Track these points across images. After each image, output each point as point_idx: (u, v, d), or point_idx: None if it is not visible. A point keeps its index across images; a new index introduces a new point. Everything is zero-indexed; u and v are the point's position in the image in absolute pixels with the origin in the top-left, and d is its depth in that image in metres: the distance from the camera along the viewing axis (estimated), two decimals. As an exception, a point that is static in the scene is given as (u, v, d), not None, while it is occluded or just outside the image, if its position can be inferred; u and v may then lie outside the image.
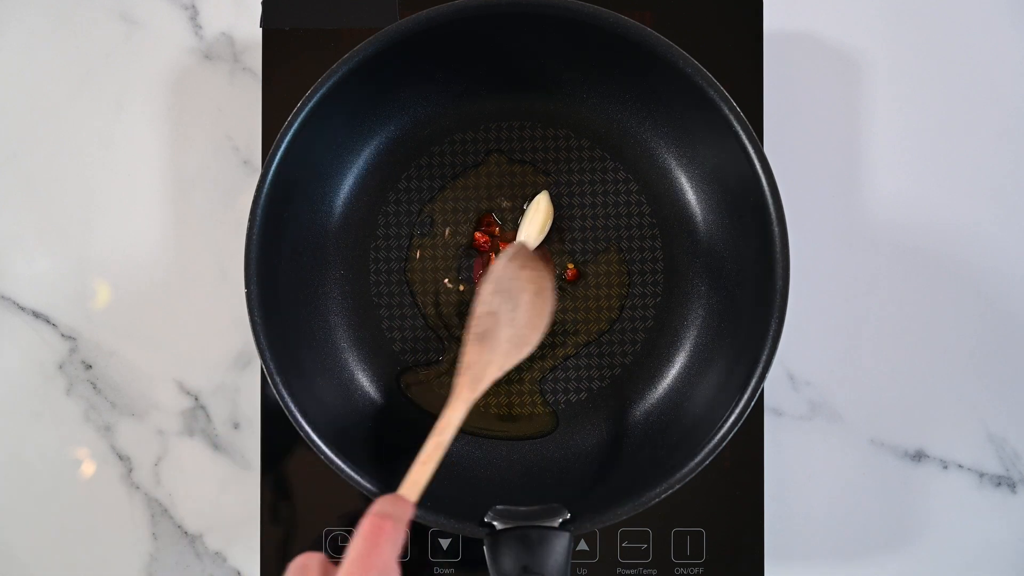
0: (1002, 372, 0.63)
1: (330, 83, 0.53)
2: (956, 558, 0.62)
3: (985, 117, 0.63)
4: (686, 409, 0.58)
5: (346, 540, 0.60)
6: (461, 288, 0.60)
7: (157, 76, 0.63)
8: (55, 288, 0.63)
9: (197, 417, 0.63)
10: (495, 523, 0.52)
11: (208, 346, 0.63)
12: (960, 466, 0.63)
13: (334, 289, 0.60)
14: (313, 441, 0.53)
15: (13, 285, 0.63)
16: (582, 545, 0.60)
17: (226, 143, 0.63)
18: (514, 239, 0.60)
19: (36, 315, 0.63)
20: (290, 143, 0.53)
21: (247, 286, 0.53)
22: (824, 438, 0.63)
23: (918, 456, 0.63)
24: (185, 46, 0.63)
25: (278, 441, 0.60)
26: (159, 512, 0.63)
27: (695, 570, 0.60)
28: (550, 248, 0.60)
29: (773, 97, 0.62)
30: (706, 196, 0.59)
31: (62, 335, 0.63)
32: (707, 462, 0.52)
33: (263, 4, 0.61)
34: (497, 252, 0.60)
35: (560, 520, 0.51)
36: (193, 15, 0.64)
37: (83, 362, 0.63)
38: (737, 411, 0.53)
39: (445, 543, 0.60)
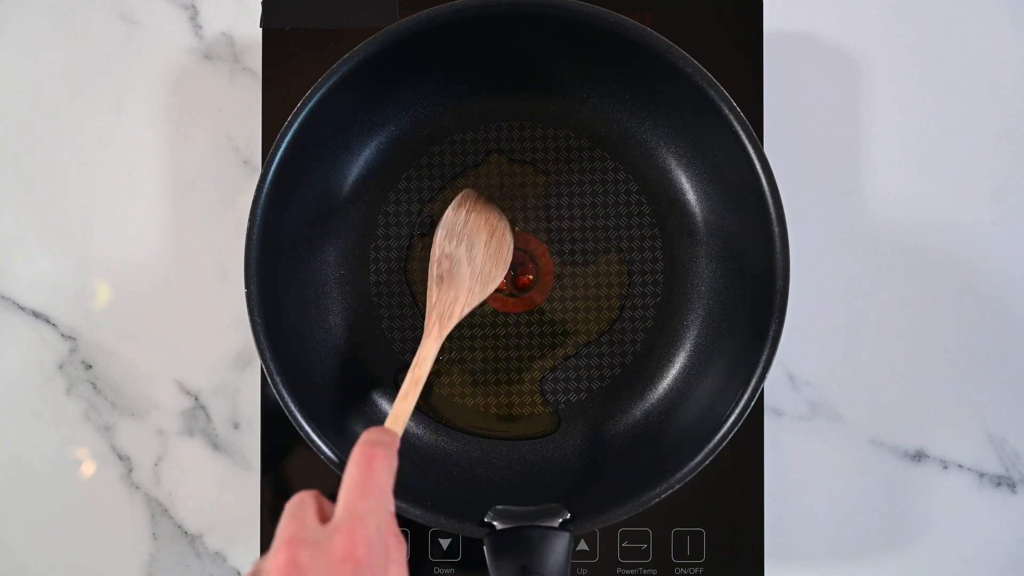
0: (1002, 372, 0.63)
1: (330, 83, 0.53)
2: (956, 558, 0.62)
3: (985, 117, 0.63)
4: (686, 409, 0.58)
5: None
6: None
7: (157, 76, 0.63)
8: (55, 288, 0.63)
9: (197, 417, 0.63)
10: (495, 523, 0.52)
11: (208, 346, 0.63)
12: (960, 466, 0.63)
13: (334, 289, 0.60)
14: (313, 441, 0.53)
15: (13, 285, 0.63)
16: (582, 545, 0.60)
17: (226, 143, 0.63)
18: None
19: (36, 315, 0.63)
20: (290, 143, 0.53)
21: (247, 286, 0.53)
22: (824, 438, 0.63)
23: (918, 456, 0.63)
24: (185, 46, 0.63)
25: (278, 441, 0.60)
26: (159, 512, 0.63)
27: (695, 570, 0.60)
28: (549, 248, 0.60)
29: (773, 97, 0.62)
30: (706, 196, 0.59)
31: (62, 335, 0.63)
32: (707, 462, 0.52)
33: (263, 4, 0.61)
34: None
35: (560, 520, 0.51)
36: (193, 15, 0.64)
37: (83, 362, 0.63)
38: (737, 411, 0.53)
39: (445, 543, 0.60)
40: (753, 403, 0.53)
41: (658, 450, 0.57)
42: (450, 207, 0.58)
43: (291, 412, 0.53)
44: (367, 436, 0.46)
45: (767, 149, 0.60)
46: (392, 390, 0.60)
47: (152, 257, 0.63)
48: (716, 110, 0.53)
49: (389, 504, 0.44)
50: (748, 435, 0.60)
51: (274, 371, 0.53)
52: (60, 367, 0.63)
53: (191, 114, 0.63)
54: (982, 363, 0.63)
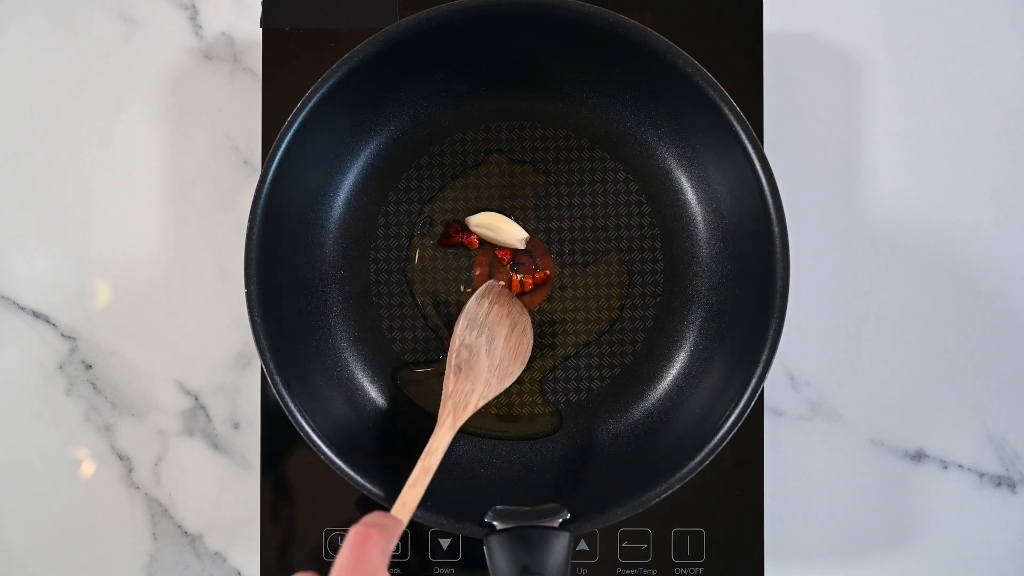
0: (1002, 372, 0.63)
1: (330, 83, 0.53)
2: (956, 558, 0.62)
3: (985, 117, 0.63)
4: (686, 409, 0.58)
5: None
6: (462, 288, 0.60)
7: (157, 76, 0.63)
8: (55, 288, 0.63)
9: (197, 417, 0.63)
10: (495, 523, 0.52)
11: (208, 346, 0.63)
12: (960, 466, 0.63)
13: (334, 289, 0.60)
14: (313, 441, 0.53)
15: (13, 285, 0.63)
16: (582, 545, 0.60)
17: (226, 143, 0.63)
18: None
19: (36, 315, 0.63)
20: (290, 143, 0.53)
21: (247, 286, 0.53)
22: (824, 438, 0.63)
23: (918, 456, 0.63)
24: (185, 46, 0.63)
25: (278, 441, 0.60)
26: (159, 512, 0.63)
27: (695, 570, 0.60)
28: (549, 247, 0.60)
29: (773, 97, 0.62)
30: (706, 196, 0.59)
31: (62, 335, 0.63)
32: (707, 462, 0.52)
33: (263, 4, 0.61)
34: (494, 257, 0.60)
35: (560, 520, 0.51)
36: (193, 15, 0.64)
37: (83, 362, 0.63)
38: (737, 411, 0.53)
39: (445, 543, 0.60)
40: (753, 403, 0.53)
41: (658, 450, 0.57)
42: (473, 297, 0.58)
43: (291, 412, 0.53)
44: (368, 518, 0.46)
45: (767, 149, 0.60)
46: (392, 390, 0.60)
47: (152, 257, 0.63)
48: (716, 110, 0.53)
49: None
50: (748, 435, 0.60)
51: (274, 371, 0.53)
52: (60, 367, 0.63)
53: (191, 114, 0.63)
54: (982, 363, 0.63)
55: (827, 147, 0.63)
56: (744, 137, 0.53)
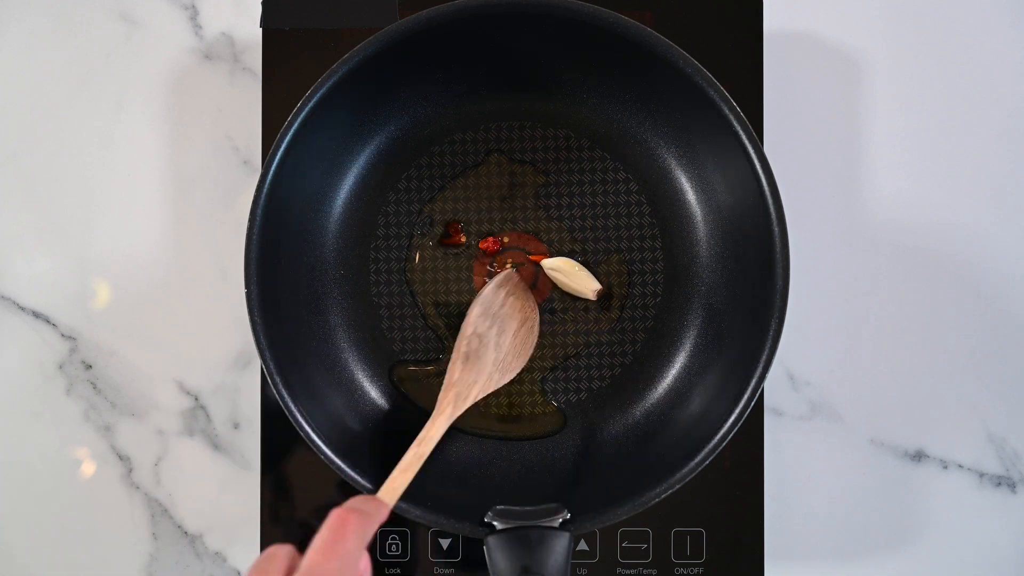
0: (1002, 372, 0.63)
1: (330, 83, 0.53)
2: (956, 558, 0.62)
3: (985, 117, 0.63)
4: (686, 409, 0.58)
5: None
6: (448, 286, 0.60)
7: (157, 76, 0.63)
8: (55, 288, 0.63)
9: (197, 417, 0.63)
10: (495, 523, 0.52)
11: (208, 346, 0.63)
12: (960, 466, 0.63)
13: (334, 289, 0.60)
14: (313, 441, 0.53)
15: (13, 285, 0.63)
16: (582, 545, 0.60)
17: (226, 143, 0.63)
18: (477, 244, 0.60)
19: (36, 315, 0.63)
20: (290, 143, 0.53)
21: (247, 286, 0.53)
22: (824, 438, 0.63)
23: (918, 456, 0.63)
24: (185, 46, 0.63)
25: (278, 441, 0.60)
26: (159, 512, 0.63)
27: (695, 570, 0.60)
28: (550, 247, 0.60)
29: (773, 97, 0.62)
30: (706, 196, 0.59)
31: (62, 335, 0.63)
32: (707, 462, 0.52)
33: (263, 4, 0.61)
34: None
35: (560, 520, 0.51)
36: (193, 15, 0.64)
37: (83, 362, 0.63)
38: (737, 411, 0.53)
39: (445, 543, 0.60)
40: (753, 403, 0.53)
41: (658, 450, 0.57)
42: (490, 285, 0.57)
43: (291, 412, 0.53)
44: (350, 502, 0.47)
45: (767, 149, 0.60)
46: (391, 389, 0.60)
47: (152, 257, 0.63)
48: (716, 110, 0.53)
49: (354, 571, 0.44)
50: (748, 435, 0.60)
51: (274, 371, 0.53)
52: (60, 367, 0.63)
53: (191, 114, 0.63)
54: (982, 363, 0.63)
55: (827, 147, 0.63)
56: (744, 137, 0.53)
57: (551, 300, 0.60)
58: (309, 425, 0.53)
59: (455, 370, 0.55)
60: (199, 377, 0.63)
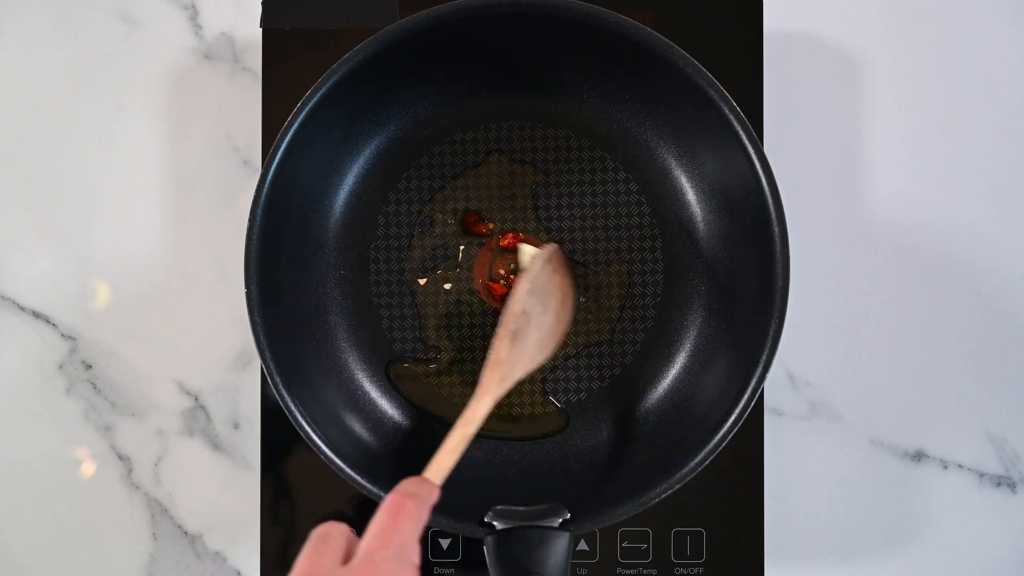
0: (1002, 372, 0.63)
1: (330, 83, 0.53)
2: (956, 558, 0.62)
3: (985, 117, 0.63)
4: (686, 409, 0.58)
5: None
6: (447, 286, 0.60)
7: (157, 76, 0.63)
8: (55, 288, 0.63)
9: (197, 417, 0.63)
10: (495, 523, 0.52)
11: (208, 346, 0.63)
12: (960, 466, 0.63)
13: (334, 289, 0.60)
14: (312, 441, 0.53)
15: (13, 285, 0.63)
16: (582, 545, 0.60)
17: (226, 143, 0.63)
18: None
19: (36, 315, 0.63)
20: (290, 143, 0.53)
21: (247, 286, 0.53)
22: (824, 438, 0.63)
23: (918, 456, 0.63)
24: (185, 46, 0.63)
25: (278, 441, 0.60)
26: (159, 512, 0.63)
27: (695, 570, 0.60)
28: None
29: (773, 97, 0.62)
30: (706, 196, 0.59)
31: (62, 335, 0.63)
32: (707, 462, 0.52)
33: (263, 4, 0.61)
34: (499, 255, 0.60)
35: (560, 520, 0.51)
36: (193, 15, 0.64)
37: (83, 362, 0.63)
38: (737, 411, 0.53)
39: (445, 543, 0.60)
40: (753, 403, 0.53)
41: (658, 450, 0.57)
42: (538, 261, 0.54)
43: (291, 412, 0.53)
44: (403, 485, 0.45)
45: (767, 149, 0.60)
46: (391, 389, 0.60)
47: (152, 257, 0.63)
48: (716, 110, 0.53)
49: (412, 555, 0.43)
50: (748, 435, 0.60)
51: (274, 371, 0.53)
52: (60, 367, 0.63)
53: (191, 114, 0.63)
54: (982, 363, 0.63)
55: (827, 147, 0.63)
56: (744, 137, 0.53)
57: (551, 300, 0.60)
58: (309, 425, 0.53)
59: (502, 348, 0.52)
60: (199, 377, 0.63)
